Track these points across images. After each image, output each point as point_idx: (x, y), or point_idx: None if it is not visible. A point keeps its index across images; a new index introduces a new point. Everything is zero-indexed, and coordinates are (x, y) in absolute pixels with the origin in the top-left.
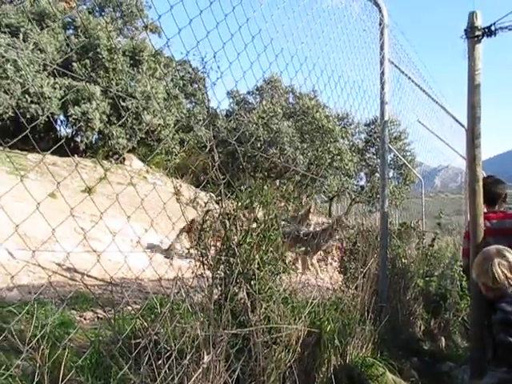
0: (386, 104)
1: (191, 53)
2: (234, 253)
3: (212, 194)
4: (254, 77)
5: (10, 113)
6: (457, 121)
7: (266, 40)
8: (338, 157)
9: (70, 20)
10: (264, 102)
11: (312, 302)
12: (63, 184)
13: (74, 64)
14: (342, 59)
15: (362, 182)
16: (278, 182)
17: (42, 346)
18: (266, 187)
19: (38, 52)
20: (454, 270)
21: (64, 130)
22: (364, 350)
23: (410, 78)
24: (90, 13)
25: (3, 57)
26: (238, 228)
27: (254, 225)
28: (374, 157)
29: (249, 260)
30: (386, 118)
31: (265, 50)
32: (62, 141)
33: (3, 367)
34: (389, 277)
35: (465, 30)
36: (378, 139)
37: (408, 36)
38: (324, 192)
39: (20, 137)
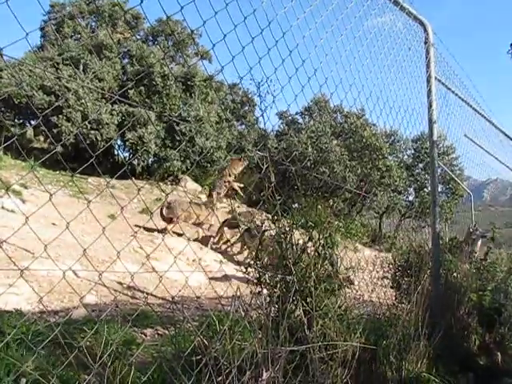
0: (435, 123)
1: (244, 77)
2: (290, 271)
3: (267, 214)
4: (304, 98)
5: (71, 139)
6: (504, 134)
7: (316, 63)
8: (387, 173)
9: (125, 50)
10: (313, 122)
11: (367, 318)
12: (122, 206)
13: (130, 91)
14: (389, 78)
15: (411, 198)
16: (329, 200)
17: (110, 363)
18: (318, 206)
19: (97, 81)
20: (508, 283)
21: (121, 154)
22: (419, 366)
23: (456, 94)
24: (143, 42)
25: (66, 87)
26: (294, 247)
27: (310, 243)
28: (423, 172)
29: (305, 278)
30: (434, 138)
31: (315, 73)
32: (124, 167)
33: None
34: (442, 292)
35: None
36: (425, 155)
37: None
38: (374, 208)
39: (84, 165)
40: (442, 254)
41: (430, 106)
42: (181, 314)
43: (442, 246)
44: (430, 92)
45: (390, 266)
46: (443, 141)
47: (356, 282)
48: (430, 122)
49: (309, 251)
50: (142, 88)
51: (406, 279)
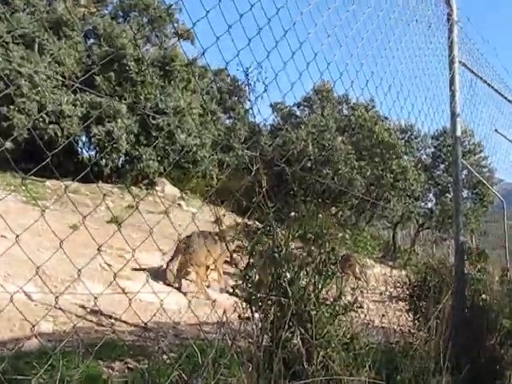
0: (458, 116)
1: (231, 62)
2: (285, 292)
3: (258, 224)
4: (302, 86)
5: (25, 134)
6: None
7: (316, 46)
8: (402, 176)
9: (90, 28)
10: (313, 115)
11: (377, 348)
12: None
13: (97, 78)
14: (404, 64)
15: (431, 205)
16: (332, 207)
17: None
18: (320, 215)
19: (56, 65)
20: None
21: (86, 153)
22: None
23: (485, 81)
24: (112, 18)
25: (18, 72)
26: (291, 263)
27: (309, 259)
28: (444, 174)
29: (303, 300)
30: (458, 133)
31: (315, 58)
32: (88, 168)
33: None
34: (468, 317)
35: None
36: (448, 154)
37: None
38: (386, 217)
39: (39, 165)
40: (468, 271)
41: (453, 95)
42: (155, 344)
43: (467, 261)
44: (452, 79)
45: (405, 285)
46: (469, 137)
47: (365, 305)
48: (453, 116)
49: (308, 268)
50: (111, 74)
51: (423, 301)
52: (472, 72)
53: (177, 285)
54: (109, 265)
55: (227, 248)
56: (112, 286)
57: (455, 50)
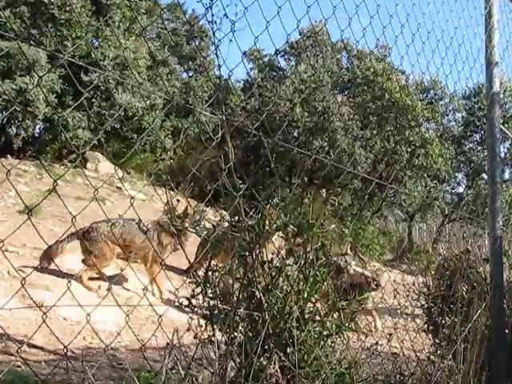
0: (496, 66)
1: None
2: (259, 303)
3: (224, 212)
4: (283, 27)
5: None
6: None
7: None
8: (422, 150)
9: None
10: (302, 67)
11: (385, 382)
12: None
13: (4, 13)
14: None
15: (461, 188)
16: (325, 190)
17: None
18: (306, 200)
19: None
20: None
21: None
22: None
23: None
24: None
25: None
26: (266, 265)
27: (290, 259)
28: (479, 148)
29: (282, 315)
30: (495, 89)
31: None
32: None
33: None
34: (508, 340)
35: None
36: (484, 119)
37: None
38: (400, 205)
39: None
40: (509, 277)
41: (490, 39)
42: (83, 378)
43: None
44: (489, 15)
45: (422, 295)
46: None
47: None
48: (489, 66)
49: (289, 272)
50: (23, 8)
51: (447, 318)
52: None
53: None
54: (21, 270)
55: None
56: (24, 299)
57: None
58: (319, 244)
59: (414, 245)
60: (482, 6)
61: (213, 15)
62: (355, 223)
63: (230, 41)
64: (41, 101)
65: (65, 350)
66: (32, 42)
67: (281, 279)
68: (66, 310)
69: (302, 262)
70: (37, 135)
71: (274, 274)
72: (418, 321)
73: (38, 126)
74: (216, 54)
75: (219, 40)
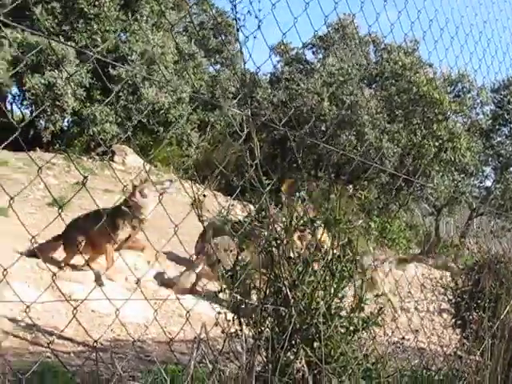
0: None
1: None
2: (286, 299)
3: (251, 207)
4: (309, 22)
5: None
6: None
7: None
8: (450, 144)
9: None
10: (330, 59)
11: (411, 376)
12: (20, 195)
13: (35, 10)
14: None
15: (489, 183)
16: (351, 185)
17: None
18: (333, 195)
19: None
20: None
21: (19, 111)
22: None
23: None
24: None
25: None
26: (293, 261)
27: (318, 255)
28: (508, 141)
29: (309, 310)
30: None
31: None
32: (18, 132)
33: None
34: None
35: None
36: None
37: None
38: (427, 199)
39: None
40: None
41: None
42: (111, 370)
43: None
44: None
45: (450, 290)
46: None
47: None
48: None
49: (316, 267)
50: (54, 4)
51: (475, 313)
52: None
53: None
54: (49, 261)
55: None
56: (53, 290)
57: None
58: (346, 240)
59: (440, 239)
60: None
61: (236, 12)
62: (381, 217)
63: (255, 37)
64: (69, 95)
65: (94, 342)
66: (62, 40)
67: (308, 274)
68: (94, 302)
69: (329, 258)
70: (65, 128)
71: (300, 269)
72: (444, 315)
73: (66, 120)
74: (241, 50)
75: (246, 37)
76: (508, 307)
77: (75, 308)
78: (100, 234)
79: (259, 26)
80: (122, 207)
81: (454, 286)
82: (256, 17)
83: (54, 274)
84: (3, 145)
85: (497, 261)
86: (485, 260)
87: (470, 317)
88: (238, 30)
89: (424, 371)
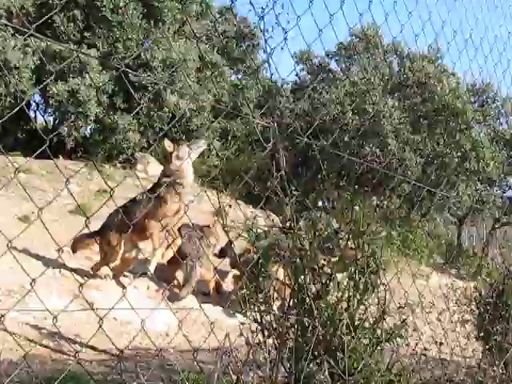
0: None
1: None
2: (310, 310)
3: (274, 216)
4: (334, 32)
5: None
6: None
7: None
8: (473, 153)
9: None
10: (354, 69)
11: None
12: (44, 202)
13: (56, 18)
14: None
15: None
16: (374, 196)
17: None
18: (357, 207)
19: None
20: None
21: (42, 118)
22: None
23: None
24: None
25: None
26: (317, 272)
27: (341, 266)
28: None
29: (333, 321)
30: None
31: None
32: (45, 139)
33: None
34: None
35: None
36: None
37: None
38: (449, 209)
39: None
40: None
41: None
42: (134, 378)
43: None
44: None
45: (473, 302)
46: None
47: (417, 329)
48: None
49: (339, 278)
50: (75, 12)
51: (498, 325)
52: None
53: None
54: (73, 270)
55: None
56: (76, 297)
57: None
58: (370, 251)
59: (463, 249)
60: None
61: (265, 23)
62: (403, 226)
63: (282, 48)
64: (92, 103)
65: (117, 351)
66: (83, 45)
67: (331, 285)
68: (115, 310)
69: (353, 269)
70: (88, 136)
71: (324, 280)
72: (467, 327)
73: (89, 127)
74: (268, 62)
75: (272, 49)
76: None
77: (101, 319)
78: (145, 217)
79: (285, 39)
80: (162, 179)
81: (478, 297)
82: (283, 28)
83: (81, 285)
84: (34, 155)
85: None
86: (509, 271)
87: (494, 329)
88: (265, 41)
89: (447, 383)
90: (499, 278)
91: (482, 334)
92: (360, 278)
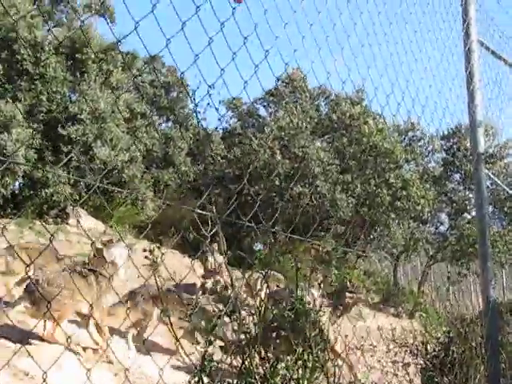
0: (480, 126)
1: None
2: None
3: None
4: (256, 79)
5: None
6: None
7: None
8: (404, 192)
9: None
10: (281, 113)
11: None
12: None
13: None
14: (400, 43)
15: (443, 228)
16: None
17: None
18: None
19: None
20: None
21: None
22: None
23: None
24: None
25: None
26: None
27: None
28: (460, 187)
29: None
30: (480, 149)
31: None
32: None
33: None
34: None
35: None
36: (463, 159)
37: None
38: (384, 248)
39: None
40: (504, 331)
41: (470, 80)
42: None
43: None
44: (468, 63)
45: (420, 355)
46: (491, 137)
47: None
48: (474, 126)
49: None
50: None
51: (446, 378)
52: (495, 54)
53: None
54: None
55: None
56: (9, 367)
57: (472, 26)
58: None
59: (399, 286)
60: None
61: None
62: (340, 267)
63: (209, 104)
64: (20, 157)
65: None
66: (7, 98)
67: (280, 367)
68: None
69: (300, 349)
70: (17, 192)
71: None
72: (410, 370)
73: (17, 182)
74: (195, 111)
75: (195, 104)
76: (479, 375)
77: None
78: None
79: (209, 95)
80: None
81: (424, 351)
82: (208, 85)
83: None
84: None
85: (465, 323)
86: (453, 323)
87: (443, 381)
88: (193, 92)
89: None
90: (445, 330)
91: None
92: (308, 357)
